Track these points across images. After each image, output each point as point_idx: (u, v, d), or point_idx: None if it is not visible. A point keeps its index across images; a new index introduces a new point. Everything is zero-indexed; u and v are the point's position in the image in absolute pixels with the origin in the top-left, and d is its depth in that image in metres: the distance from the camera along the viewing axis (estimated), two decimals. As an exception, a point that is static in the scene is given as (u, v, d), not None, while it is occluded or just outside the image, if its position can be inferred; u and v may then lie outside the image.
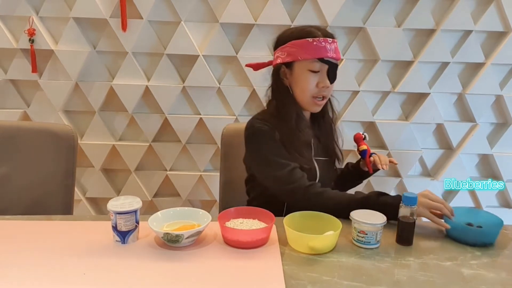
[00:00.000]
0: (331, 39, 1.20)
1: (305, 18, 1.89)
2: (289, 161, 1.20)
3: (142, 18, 1.91)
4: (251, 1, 1.90)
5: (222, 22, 1.91)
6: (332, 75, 1.22)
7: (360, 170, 1.43)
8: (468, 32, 1.95)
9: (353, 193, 1.21)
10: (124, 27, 1.89)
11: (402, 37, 1.95)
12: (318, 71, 1.21)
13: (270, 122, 1.24)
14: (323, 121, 1.35)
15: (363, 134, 1.40)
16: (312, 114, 1.34)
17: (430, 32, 1.96)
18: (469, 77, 2.04)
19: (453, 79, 2.02)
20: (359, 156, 1.41)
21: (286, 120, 1.24)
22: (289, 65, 1.24)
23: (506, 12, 1.89)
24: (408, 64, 2.01)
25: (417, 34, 1.99)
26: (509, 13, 1.89)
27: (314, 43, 1.18)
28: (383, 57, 1.97)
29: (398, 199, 1.08)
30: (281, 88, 1.27)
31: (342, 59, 1.98)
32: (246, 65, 1.39)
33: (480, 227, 1.09)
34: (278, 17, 1.89)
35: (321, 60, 1.19)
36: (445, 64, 2.00)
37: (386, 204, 1.10)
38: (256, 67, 1.35)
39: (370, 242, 1.02)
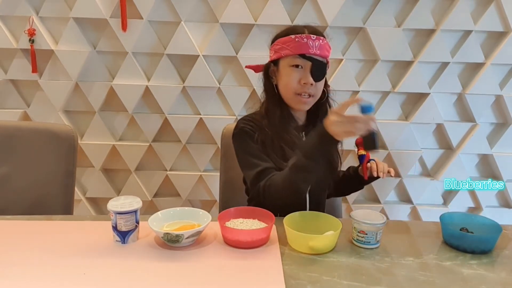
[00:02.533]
0: (315, 35, 1.19)
1: (305, 18, 1.89)
2: (263, 161, 1.20)
3: (142, 18, 1.91)
4: (251, 1, 1.90)
5: (222, 22, 1.91)
6: (316, 73, 1.20)
7: (359, 175, 1.38)
8: (468, 32, 1.95)
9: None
10: (124, 27, 1.89)
11: (402, 37, 1.95)
12: (300, 67, 1.20)
13: (256, 122, 1.25)
14: (318, 121, 1.33)
15: None
16: (309, 115, 1.33)
17: (430, 32, 1.96)
18: (469, 77, 2.04)
19: (453, 79, 2.02)
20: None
21: (272, 119, 1.24)
22: (276, 63, 1.25)
23: (506, 12, 1.89)
24: (408, 64, 2.01)
25: (417, 34, 1.99)
26: (509, 13, 1.89)
27: (296, 39, 1.18)
28: (383, 57, 1.97)
29: (316, 135, 1.06)
30: (268, 87, 1.29)
31: (342, 59, 1.99)
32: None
33: (472, 232, 1.08)
34: (278, 17, 1.89)
35: (303, 56, 1.19)
36: (445, 64, 2.00)
37: (314, 146, 1.08)
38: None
39: (370, 242, 1.02)
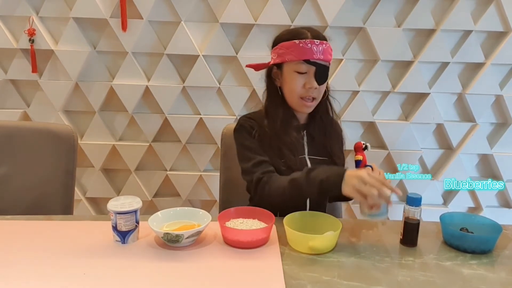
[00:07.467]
0: (319, 40, 1.20)
1: (305, 18, 1.89)
2: (259, 155, 1.23)
3: (142, 18, 1.91)
4: (251, 1, 1.90)
5: (222, 22, 1.91)
6: (320, 77, 1.22)
7: None
8: (468, 32, 1.95)
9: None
10: (124, 27, 1.89)
11: (402, 37, 1.95)
12: (305, 73, 1.21)
13: (257, 120, 1.27)
14: (320, 120, 1.34)
15: (364, 143, 1.31)
16: (310, 113, 1.33)
17: (430, 32, 1.96)
18: (469, 77, 2.04)
19: (453, 79, 2.02)
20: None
21: (273, 120, 1.26)
22: (279, 66, 1.26)
23: (506, 12, 1.89)
24: (408, 64, 2.01)
25: (417, 34, 1.99)
26: (509, 13, 1.89)
27: (301, 44, 1.18)
28: (383, 57, 1.97)
29: (332, 174, 1.06)
30: (271, 88, 1.30)
31: (342, 59, 1.99)
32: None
33: (472, 232, 1.08)
34: (278, 17, 1.89)
35: (307, 61, 1.19)
36: (445, 64, 2.00)
37: (321, 182, 1.07)
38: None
39: (383, 213, 1.03)
